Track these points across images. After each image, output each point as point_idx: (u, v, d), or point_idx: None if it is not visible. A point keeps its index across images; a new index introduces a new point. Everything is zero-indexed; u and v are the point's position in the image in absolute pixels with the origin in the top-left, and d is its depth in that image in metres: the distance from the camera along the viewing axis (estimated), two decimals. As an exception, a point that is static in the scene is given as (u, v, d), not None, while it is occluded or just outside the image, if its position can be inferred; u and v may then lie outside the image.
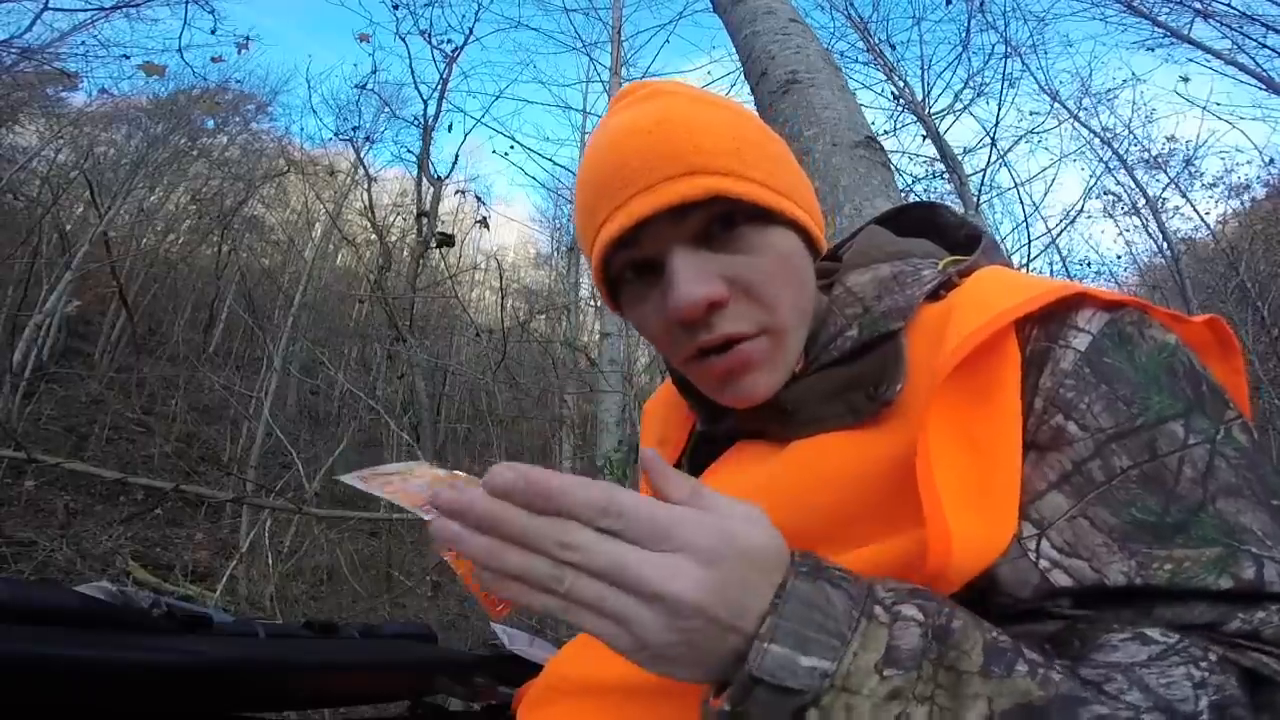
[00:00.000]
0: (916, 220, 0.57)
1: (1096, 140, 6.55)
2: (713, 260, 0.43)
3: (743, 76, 1.90)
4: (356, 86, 6.37)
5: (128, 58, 7.39)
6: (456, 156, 6.34)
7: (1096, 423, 0.36)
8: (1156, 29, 6.19)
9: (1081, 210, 6.07)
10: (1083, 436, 0.36)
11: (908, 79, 5.89)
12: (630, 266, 0.46)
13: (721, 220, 0.43)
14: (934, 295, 0.45)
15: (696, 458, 0.54)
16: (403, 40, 6.12)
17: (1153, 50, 6.43)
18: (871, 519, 0.39)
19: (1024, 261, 5.41)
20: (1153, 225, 6.77)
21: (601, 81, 6.43)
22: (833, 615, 0.30)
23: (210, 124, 11.16)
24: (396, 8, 5.97)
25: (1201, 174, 7.57)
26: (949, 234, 0.55)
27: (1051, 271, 6.78)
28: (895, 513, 0.37)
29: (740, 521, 0.31)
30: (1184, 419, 0.35)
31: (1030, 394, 0.38)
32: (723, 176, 0.42)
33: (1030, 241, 5.60)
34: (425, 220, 5.64)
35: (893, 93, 5.81)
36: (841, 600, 0.31)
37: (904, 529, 0.37)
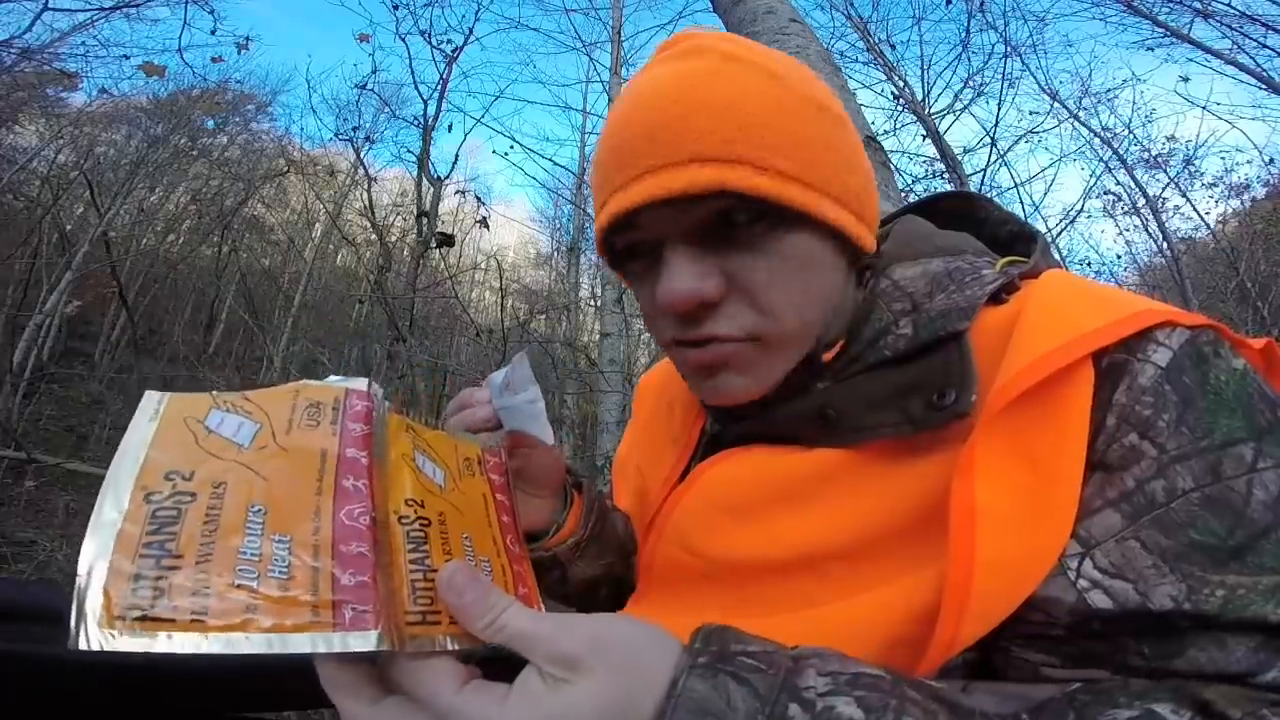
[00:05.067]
0: (951, 212, 0.53)
1: (1096, 140, 6.56)
2: (713, 256, 0.39)
3: (743, 76, 1.90)
4: (356, 86, 6.37)
5: (128, 58, 7.39)
6: (456, 156, 6.35)
7: (1165, 444, 0.33)
8: (1156, 29, 6.19)
9: (1081, 210, 6.06)
10: (1153, 455, 0.33)
11: (908, 79, 5.90)
12: (629, 246, 0.43)
13: (729, 214, 0.39)
14: (995, 297, 0.41)
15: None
16: (403, 40, 6.12)
17: (1153, 50, 6.44)
18: (907, 543, 0.37)
19: (1024, 261, 5.40)
20: (1153, 225, 6.77)
21: (601, 81, 6.43)
22: None
23: (210, 124, 11.16)
24: (396, 8, 5.97)
25: (1201, 174, 7.59)
26: (989, 229, 0.51)
27: (1051, 271, 6.77)
28: (937, 537, 0.34)
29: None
30: (1255, 443, 0.32)
31: (1103, 410, 0.34)
32: (735, 165, 0.37)
33: (1030, 241, 5.59)
34: (425, 220, 5.64)
35: (893, 93, 5.81)
36: (745, 701, 0.26)
37: (941, 559, 0.34)
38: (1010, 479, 0.34)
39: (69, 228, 9.22)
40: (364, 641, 0.25)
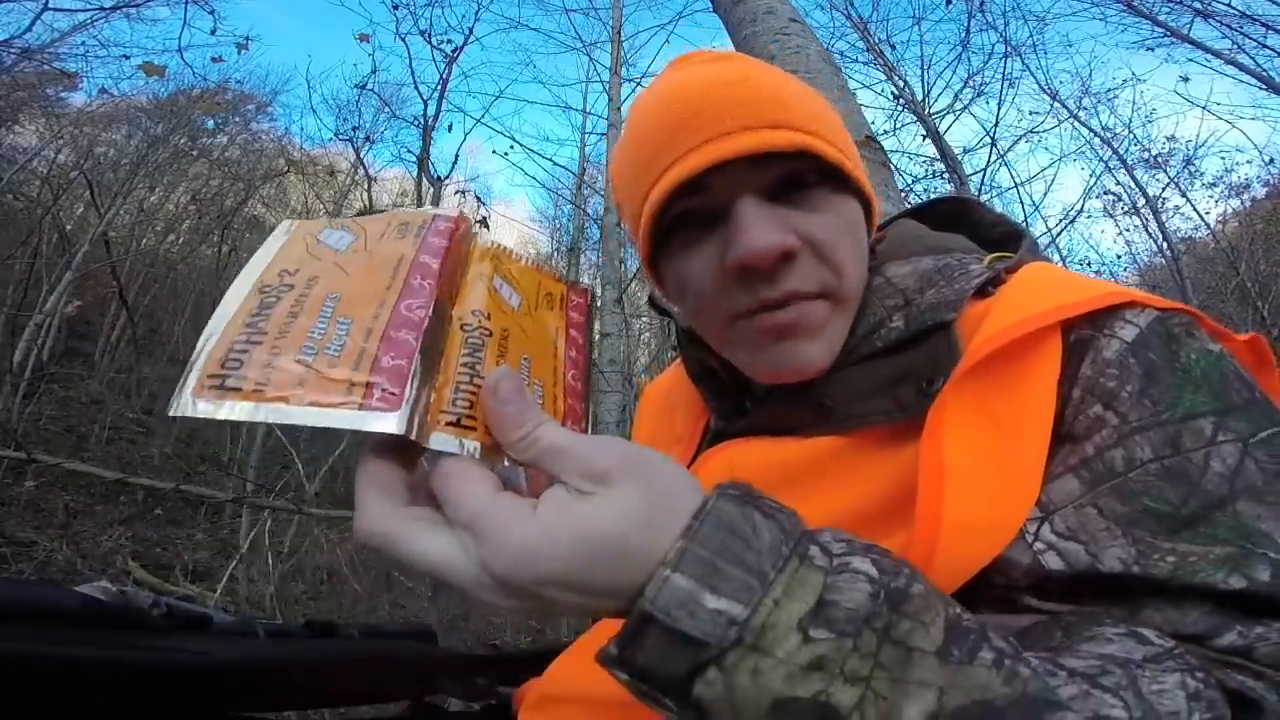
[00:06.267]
0: (945, 215, 0.55)
1: (1096, 140, 6.56)
2: (785, 214, 0.41)
3: (743, 76, 1.90)
4: (356, 86, 6.38)
5: (128, 58, 7.41)
6: (456, 156, 6.36)
7: (1127, 414, 0.34)
8: (1156, 29, 6.19)
9: (1081, 210, 6.05)
10: (1114, 424, 0.34)
11: (908, 79, 5.90)
12: (685, 215, 0.43)
13: (797, 178, 0.42)
14: (981, 291, 0.42)
15: None
16: (403, 40, 6.12)
17: (1153, 50, 6.45)
18: (893, 518, 0.38)
19: (1024, 261, 5.40)
20: (1153, 225, 6.78)
21: (601, 81, 6.43)
22: (756, 547, 0.25)
23: (210, 124, 11.15)
24: (396, 8, 5.97)
25: (1201, 174, 7.60)
26: (982, 230, 0.53)
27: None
28: (912, 513, 0.35)
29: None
30: (1216, 417, 0.33)
31: (1069, 384, 0.35)
32: (809, 135, 0.41)
33: (1030, 241, 5.58)
34: (425, 220, 5.63)
35: (893, 92, 5.81)
36: (770, 531, 0.26)
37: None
38: (977, 442, 0.35)
39: (69, 228, 9.21)
40: (381, 423, 0.26)
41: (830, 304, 0.42)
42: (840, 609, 0.24)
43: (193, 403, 0.25)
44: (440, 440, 0.27)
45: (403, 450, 0.28)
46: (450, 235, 0.35)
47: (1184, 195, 7.22)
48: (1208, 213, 7.62)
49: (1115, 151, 6.54)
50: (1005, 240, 0.51)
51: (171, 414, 0.25)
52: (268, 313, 0.29)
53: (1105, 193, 6.96)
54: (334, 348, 0.27)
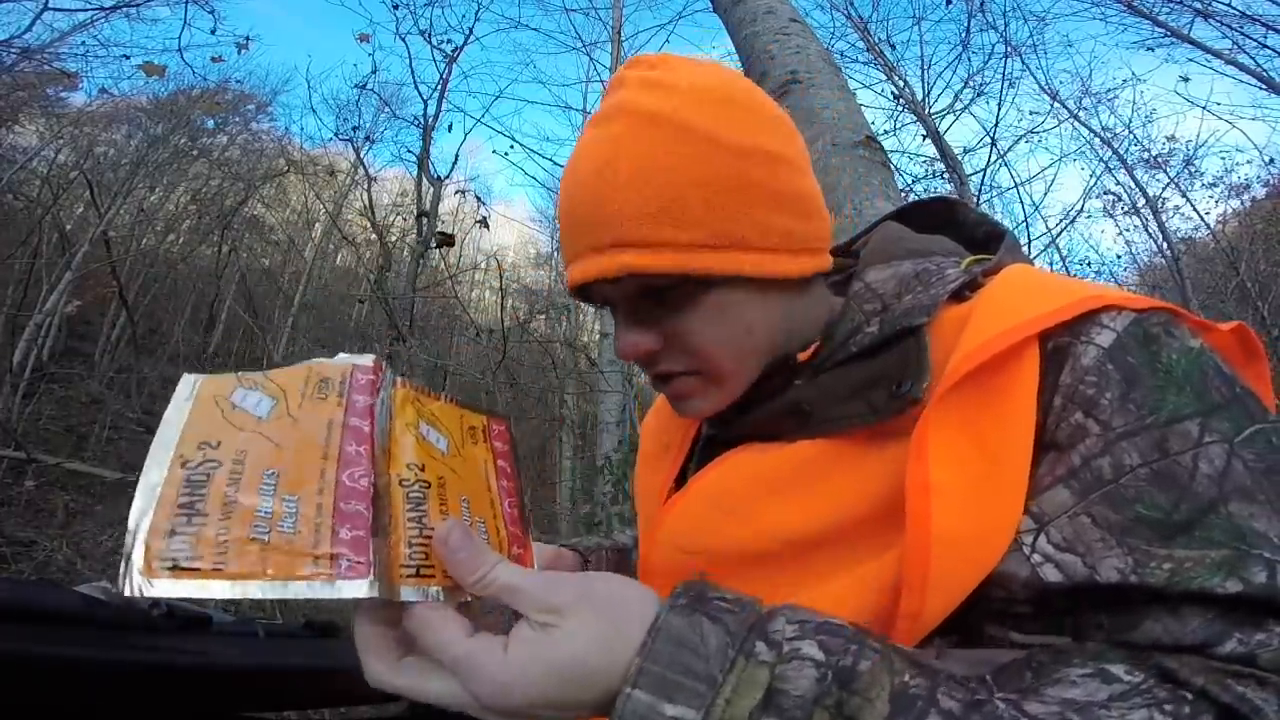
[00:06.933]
0: (932, 216, 0.55)
1: (1096, 140, 6.57)
2: (649, 315, 0.44)
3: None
4: (356, 86, 6.38)
5: (128, 58, 7.40)
6: (456, 156, 6.34)
7: (1110, 420, 0.34)
8: (1156, 29, 6.19)
9: (1081, 210, 6.07)
10: (1098, 432, 0.34)
11: (908, 79, 5.90)
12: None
13: (649, 285, 0.42)
14: (958, 295, 0.43)
15: (704, 463, 0.52)
16: (403, 40, 6.15)
17: (1153, 50, 6.45)
18: (879, 526, 0.38)
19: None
20: (1153, 225, 6.78)
21: (601, 81, 6.44)
22: (704, 654, 0.28)
23: (210, 124, 11.15)
24: (396, 8, 5.98)
25: (1201, 174, 7.60)
26: (967, 230, 0.53)
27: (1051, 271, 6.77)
28: (904, 518, 0.36)
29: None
30: (1201, 418, 0.33)
31: (1050, 392, 0.36)
32: (639, 250, 0.40)
33: (1030, 241, 5.60)
34: (425, 220, 5.64)
35: (893, 92, 5.81)
36: (717, 636, 0.29)
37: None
38: (962, 458, 0.35)
39: (69, 228, 9.21)
40: (356, 589, 0.28)
41: (702, 378, 0.45)
42: (789, 697, 0.27)
43: (147, 583, 0.26)
44: (407, 592, 0.30)
45: (380, 607, 0.32)
46: (372, 389, 0.36)
47: (1184, 195, 7.23)
48: (1208, 213, 7.61)
49: (1115, 151, 6.55)
50: (989, 241, 0.52)
51: (126, 594, 0.26)
52: (202, 492, 0.29)
53: (1105, 193, 6.98)
54: (287, 525, 0.29)
